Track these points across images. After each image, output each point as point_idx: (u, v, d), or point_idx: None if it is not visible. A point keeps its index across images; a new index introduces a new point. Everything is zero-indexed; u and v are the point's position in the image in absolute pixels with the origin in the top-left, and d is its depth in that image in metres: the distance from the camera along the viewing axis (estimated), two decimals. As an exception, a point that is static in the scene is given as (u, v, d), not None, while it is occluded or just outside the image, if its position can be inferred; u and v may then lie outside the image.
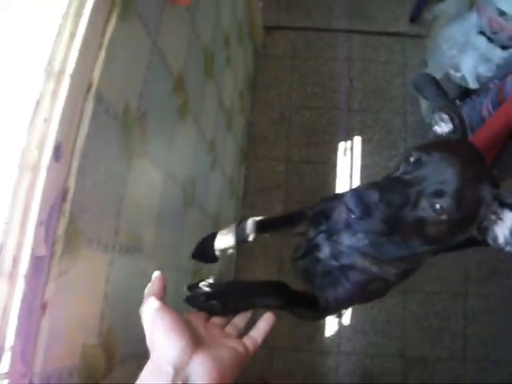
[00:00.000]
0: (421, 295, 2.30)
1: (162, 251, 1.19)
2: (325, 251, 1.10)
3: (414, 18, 2.66)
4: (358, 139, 2.47)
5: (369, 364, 2.22)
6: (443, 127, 0.95)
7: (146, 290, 0.75)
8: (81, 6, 0.76)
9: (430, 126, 2.34)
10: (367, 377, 2.20)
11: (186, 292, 0.84)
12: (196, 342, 0.67)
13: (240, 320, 0.80)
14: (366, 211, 0.78)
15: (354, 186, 0.84)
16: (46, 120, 0.70)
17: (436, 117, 0.97)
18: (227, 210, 2.02)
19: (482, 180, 0.83)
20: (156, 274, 0.77)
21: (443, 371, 2.21)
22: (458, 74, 1.99)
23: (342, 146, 2.45)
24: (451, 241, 0.89)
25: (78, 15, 0.75)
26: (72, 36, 0.74)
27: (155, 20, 1.01)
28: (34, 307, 0.70)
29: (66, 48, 0.73)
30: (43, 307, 0.72)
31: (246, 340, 0.74)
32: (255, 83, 2.54)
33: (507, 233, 0.82)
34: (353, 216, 0.80)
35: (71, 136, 0.75)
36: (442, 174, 0.80)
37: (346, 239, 1.05)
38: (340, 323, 2.26)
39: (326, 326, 2.25)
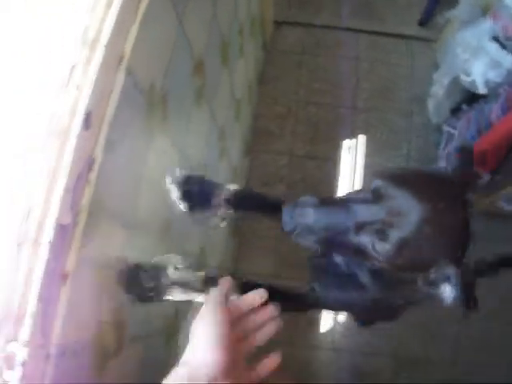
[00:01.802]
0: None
1: (174, 234, 1.19)
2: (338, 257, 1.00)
3: (423, 22, 2.67)
4: (362, 138, 2.48)
5: (361, 362, 2.23)
6: None
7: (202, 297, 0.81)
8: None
9: (436, 127, 2.35)
10: (357, 374, 2.21)
11: None
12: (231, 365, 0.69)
13: (257, 341, 0.80)
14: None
15: (355, 185, 0.81)
16: (78, 87, 0.69)
17: None
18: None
19: (446, 239, 0.73)
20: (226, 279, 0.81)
21: (434, 373, 2.22)
22: (468, 79, 2.00)
23: (346, 143, 2.45)
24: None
25: (115, -15, 0.75)
26: (108, 6, 0.74)
27: (182, 1, 1.00)
28: (56, 276, 0.70)
29: (101, 17, 0.73)
30: (64, 277, 0.71)
31: (252, 373, 0.76)
32: (262, 77, 2.53)
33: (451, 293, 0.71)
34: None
35: (101, 106, 0.74)
36: (397, 217, 0.70)
37: None
38: (335, 320, 2.27)
39: (321, 322, 2.26)
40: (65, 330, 0.71)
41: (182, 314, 1.40)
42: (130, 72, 0.79)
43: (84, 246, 0.74)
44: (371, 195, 0.74)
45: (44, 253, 0.66)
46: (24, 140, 0.66)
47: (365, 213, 0.73)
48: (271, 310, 0.81)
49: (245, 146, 2.25)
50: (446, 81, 2.16)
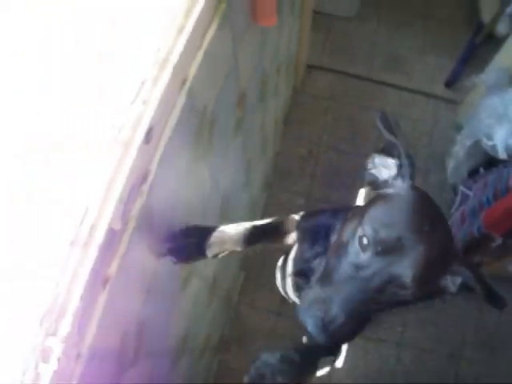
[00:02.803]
0: (415, 351, 2.30)
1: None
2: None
3: (450, 84, 2.74)
4: (378, 189, 2.50)
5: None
6: (382, 172, 0.84)
7: None
8: (191, 7, 0.80)
9: (452, 187, 2.38)
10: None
11: None
12: None
13: None
14: (332, 334, 0.72)
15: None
16: (144, 102, 0.73)
17: (376, 160, 0.85)
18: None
19: (447, 258, 0.77)
20: None
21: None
22: (490, 143, 2.04)
23: (362, 192, 2.49)
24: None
25: (188, 13, 0.80)
26: (180, 30, 0.78)
27: (239, 35, 1.05)
28: (99, 279, 0.72)
29: (173, 40, 0.77)
30: (105, 281, 0.73)
31: None
32: (288, 117, 2.59)
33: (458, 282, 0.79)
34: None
35: (162, 123, 0.78)
36: (406, 260, 0.72)
37: None
38: (332, 366, 2.25)
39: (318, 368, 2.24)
40: (98, 332, 0.73)
41: (190, 338, 1.40)
42: (190, 94, 0.83)
43: (126, 254, 0.76)
44: (371, 251, 0.74)
45: (92, 254, 0.68)
46: (89, 147, 0.69)
47: (379, 269, 0.73)
48: None
49: (265, 182, 2.28)
50: (468, 142, 2.21)
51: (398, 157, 0.82)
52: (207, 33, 0.86)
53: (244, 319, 2.28)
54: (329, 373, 2.24)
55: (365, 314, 0.77)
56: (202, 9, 0.80)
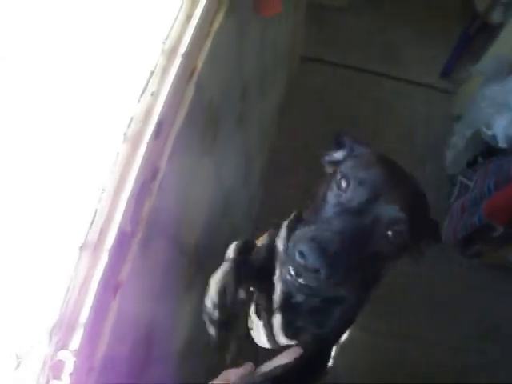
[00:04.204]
0: (418, 344, 2.28)
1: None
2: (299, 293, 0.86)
3: (445, 74, 2.72)
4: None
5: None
6: (337, 154, 0.86)
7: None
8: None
9: (450, 178, 2.36)
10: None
11: None
12: None
13: None
14: (331, 264, 0.64)
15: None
16: (153, 94, 0.68)
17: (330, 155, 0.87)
18: (241, 228, 2.00)
19: (425, 198, 0.77)
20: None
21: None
22: (490, 132, 2.02)
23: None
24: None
25: (195, 2, 0.75)
26: (188, 19, 0.74)
27: (244, 25, 1.01)
28: (110, 285, 0.67)
29: (180, 29, 0.73)
30: (116, 288, 0.69)
31: None
32: (283, 110, 2.54)
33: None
34: (318, 276, 0.65)
35: (171, 116, 0.73)
36: (389, 195, 0.70)
37: None
38: (335, 359, 2.22)
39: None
40: (109, 342, 0.68)
41: (195, 341, 1.36)
42: (199, 85, 0.78)
43: (137, 259, 0.71)
44: (352, 190, 0.72)
45: (103, 260, 0.64)
46: (97, 144, 0.64)
47: (367, 205, 0.70)
48: None
49: (261, 176, 2.24)
50: (467, 133, 2.18)
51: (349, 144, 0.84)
52: (214, 21, 0.81)
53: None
54: (332, 367, 2.20)
55: (361, 263, 0.70)
56: (209, -4, 0.76)
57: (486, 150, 2.24)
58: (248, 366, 0.74)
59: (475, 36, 2.66)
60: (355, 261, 0.68)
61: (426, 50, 2.81)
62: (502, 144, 2.03)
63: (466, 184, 2.32)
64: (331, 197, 0.73)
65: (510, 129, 1.99)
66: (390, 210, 0.70)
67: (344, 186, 0.72)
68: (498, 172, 2.04)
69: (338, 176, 0.73)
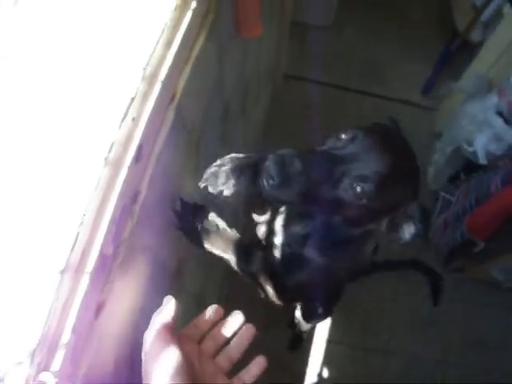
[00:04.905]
0: (403, 358, 2.29)
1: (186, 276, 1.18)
2: (279, 237, 1.02)
3: (426, 91, 2.76)
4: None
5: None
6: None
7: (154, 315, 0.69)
8: (178, 21, 0.78)
9: (432, 193, 2.39)
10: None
11: None
12: None
13: (234, 351, 0.73)
14: (285, 181, 0.73)
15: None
16: (134, 119, 0.70)
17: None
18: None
19: (411, 180, 0.84)
20: (169, 299, 0.69)
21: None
22: (470, 149, 2.05)
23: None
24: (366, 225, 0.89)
25: (176, 27, 0.77)
26: (168, 45, 0.76)
27: (225, 47, 1.03)
28: (91, 307, 0.68)
29: (161, 55, 0.75)
30: (99, 308, 0.70)
31: (235, 381, 0.70)
32: (267, 128, 2.57)
33: (412, 230, 0.84)
34: (271, 182, 0.74)
35: (151, 140, 0.75)
36: (374, 159, 0.77)
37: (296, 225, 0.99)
38: (320, 375, 2.23)
39: (306, 378, 2.21)
40: (92, 361, 0.69)
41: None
42: (179, 109, 0.80)
43: (118, 279, 0.72)
44: (345, 143, 0.80)
45: (84, 282, 0.65)
46: (78, 167, 0.66)
47: (348, 159, 0.78)
48: (238, 317, 0.74)
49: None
50: (448, 149, 2.22)
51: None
52: (194, 46, 0.83)
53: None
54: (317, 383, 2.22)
55: (323, 201, 0.80)
56: (191, 19, 0.78)
57: (467, 166, 2.27)
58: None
59: (456, 53, 2.72)
60: (314, 192, 0.77)
61: (407, 67, 2.86)
62: (483, 160, 2.07)
63: (448, 199, 2.36)
64: (327, 142, 0.83)
65: (490, 145, 2.03)
66: (363, 168, 0.77)
67: (341, 137, 0.80)
68: (479, 188, 2.08)
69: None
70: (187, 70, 0.81)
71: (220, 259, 1.02)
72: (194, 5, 0.79)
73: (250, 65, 1.48)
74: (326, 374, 2.25)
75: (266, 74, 2.02)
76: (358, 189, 0.77)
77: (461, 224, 2.12)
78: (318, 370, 2.23)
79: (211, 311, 0.74)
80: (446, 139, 2.26)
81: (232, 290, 2.25)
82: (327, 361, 2.25)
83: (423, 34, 2.98)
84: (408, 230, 0.84)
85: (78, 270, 0.65)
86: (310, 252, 0.98)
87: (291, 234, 0.99)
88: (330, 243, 0.96)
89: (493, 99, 1.93)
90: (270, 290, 1.09)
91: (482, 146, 2.02)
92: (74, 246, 0.64)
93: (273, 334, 2.15)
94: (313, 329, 2.24)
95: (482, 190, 2.05)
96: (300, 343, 2.16)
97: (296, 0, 2.09)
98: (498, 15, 2.39)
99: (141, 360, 0.67)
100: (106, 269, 0.69)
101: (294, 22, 2.37)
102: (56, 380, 0.62)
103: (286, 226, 1.00)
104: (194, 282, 1.37)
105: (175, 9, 0.76)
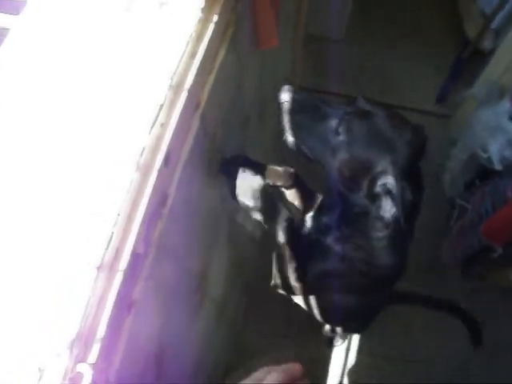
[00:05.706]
0: (420, 365, 2.28)
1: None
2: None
3: (440, 99, 2.78)
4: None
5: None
6: None
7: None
8: (202, 33, 0.82)
9: (451, 200, 2.40)
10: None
11: None
12: None
13: None
14: None
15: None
16: (163, 125, 0.74)
17: None
18: (245, 250, 2.04)
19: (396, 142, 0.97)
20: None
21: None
22: (485, 155, 2.07)
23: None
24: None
25: (199, 39, 0.82)
26: (193, 56, 0.80)
27: (244, 58, 1.08)
28: (125, 303, 0.72)
29: (186, 66, 0.79)
30: (130, 306, 0.73)
31: None
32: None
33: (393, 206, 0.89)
34: None
35: (178, 146, 0.79)
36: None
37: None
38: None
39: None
40: (124, 357, 0.73)
41: (203, 363, 1.39)
42: (203, 117, 0.84)
43: (149, 278, 0.76)
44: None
45: (118, 279, 0.69)
46: (112, 172, 0.70)
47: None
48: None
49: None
50: (463, 156, 2.24)
51: None
52: (217, 57, 0.88)
53: (249, 343, 2.25)
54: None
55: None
56: (213, 32, 0.82)
57: (483, 173, 2.28)
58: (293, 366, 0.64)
59: (469, 61, 2.74)
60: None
61: (421, 76, 2.88)
62: (498, 166, 2.08)
63: (464, 206, 2.36)
64: None
65: (504, 151, 2.04)
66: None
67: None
68: (495, 194, 2.09)
69: None
70: (211, 79, 0.85)
71: (241, 262, 1.05)
72: (215, 18, 0.84)
73: (267, 76, 1.52)
74: (345, 381, 2.25)
75: (282, 85, 2.06)
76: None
77: (477, 230, 2.12)
78: (338, 379, 2.24)
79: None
80: (461, 146, 2.28)
81: (252, 300, 2.27)
82: (347, 369, 2.25)
83: (435, 43, 3.00)
84: (387, 207, 0.89)
85: (113, 267, 0.69)
86: (331, 240, 1.03)
87: (318, 222, 1.05)
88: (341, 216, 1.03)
89: (505, 105, 1.95)
90: (292, 275, 1.10)
91: (496, 151, 2.04)
92: (108, 245, 0.68)
93: (292, 342, 2.17)
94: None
95: (498, 196, 2.06)
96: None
97: (309, 12, 2.13)
98: (508, 22, 2.42)
99: (168, 359, 0.69)
100: (138, 267, 0.73)
101: (309, 35, 2.41)
102: (92, 372, 0.66)
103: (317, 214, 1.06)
104: (217, 288, 1.40)
105: (198, 21, 0.80)
